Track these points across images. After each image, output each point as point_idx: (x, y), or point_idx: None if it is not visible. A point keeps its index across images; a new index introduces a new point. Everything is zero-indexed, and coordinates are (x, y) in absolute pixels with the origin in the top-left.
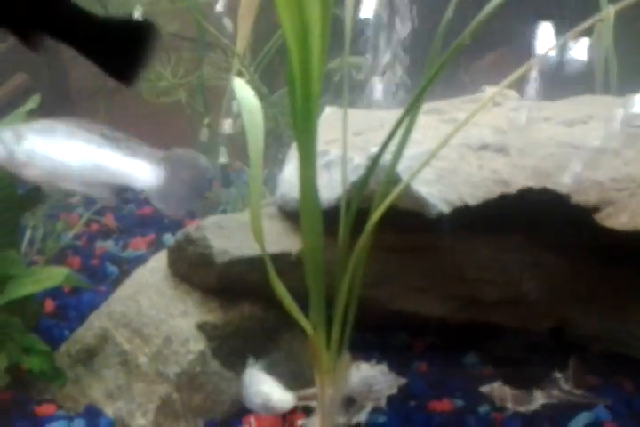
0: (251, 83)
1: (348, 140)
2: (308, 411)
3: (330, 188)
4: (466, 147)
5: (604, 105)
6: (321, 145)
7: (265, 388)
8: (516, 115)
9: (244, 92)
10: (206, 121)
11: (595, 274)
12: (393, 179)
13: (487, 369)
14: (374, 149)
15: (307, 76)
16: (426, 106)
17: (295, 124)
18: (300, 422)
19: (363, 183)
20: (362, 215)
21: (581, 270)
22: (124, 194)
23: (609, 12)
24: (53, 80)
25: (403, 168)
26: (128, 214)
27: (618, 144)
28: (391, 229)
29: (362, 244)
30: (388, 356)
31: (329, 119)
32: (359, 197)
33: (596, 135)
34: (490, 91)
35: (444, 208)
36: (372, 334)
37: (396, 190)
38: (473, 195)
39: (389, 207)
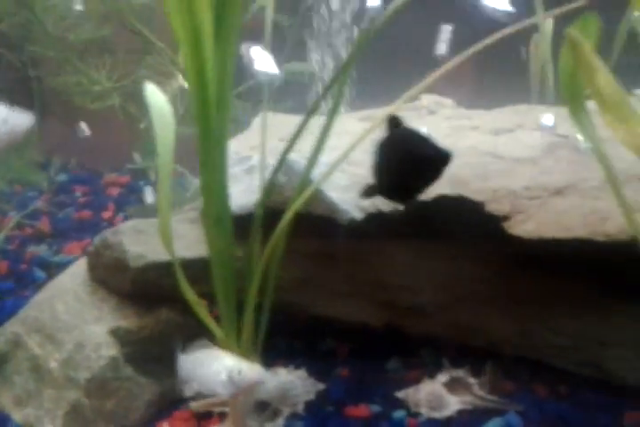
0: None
1: (273, 146)
2: (223, 417)
3: (249, 193)
4: None
5: (537, 114)
6: (245, 150)
7: (229, 362)
8: (444, 123)
9: (155, 97)
10: (142, 126)
11: (510, 281)
12: (306, 184)
13: (409, 374)
14: (293, 156)
15: (201, 81)
16: (362, 113)
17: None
18: None
19: (269, 189)
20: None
21: (497, 277)
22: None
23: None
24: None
25: (316, 174)
26: (65, 218)
27: (537, 153)
28: (313, 234)
29: (270, 249)
30: (312, 361)
31: (261, 125)
32: (263, 203)
33: (519, 144)
34: (425, 99)
35: (357, 214)
36: (299, 340)
37: (303, 196)
38: (387, 202)
39: (304, 213)
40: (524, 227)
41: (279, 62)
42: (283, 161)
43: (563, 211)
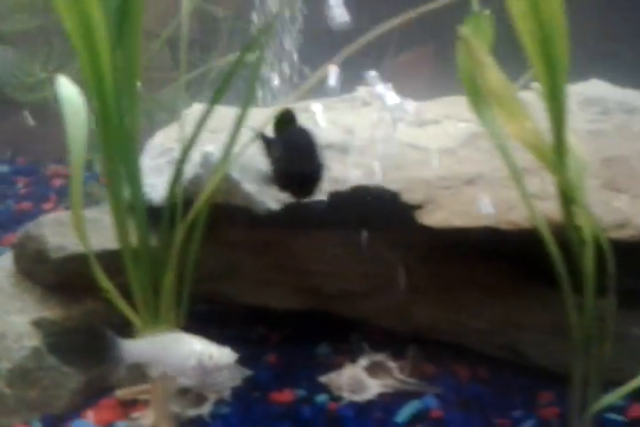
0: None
1: (203, 138)
2: (148, 404)
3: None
4: None
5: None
6: (171, 142)
7: (197, 346)
8: (373, 115)
9: (66, 89)
10: None
11: (431, 268)
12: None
13: (337, 359)
14: (209, 148)
15: (97, 74)
16: (300, 104)
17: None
18: (135, 414)
19: (175, 180)
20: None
21: (418, 265)
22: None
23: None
24: None
25: (234, 166)
26: (5, 210)
27: (457, 144)
28: (237, 224)
29: (178, 239)
30: (242, 349)
31: (192, 116)
32: (173, 194)
33: (441, 135)
34: (363, 91)
35: (273, 206)
36: (231, 328)
37: (210, 187)
38: None
39: (224, 204)
40: (434, 216)
41: None
42: (184, 155)
43: (472, 200)
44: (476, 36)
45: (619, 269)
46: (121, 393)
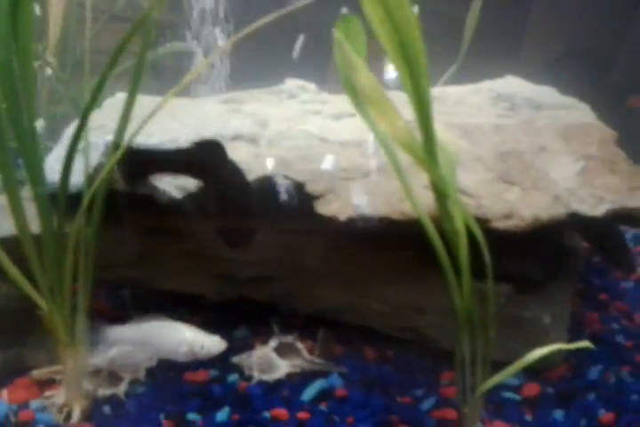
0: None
1: (110, 126)
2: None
3: (81, 172)
4: (219, 137)
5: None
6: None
7: (189, 335)
8: (296, 107)
9: None
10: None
11: (338, 256)
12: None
13: (255, 341)
14: (110, 137)
15: None
16: (225, 96)
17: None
18: (48, 392)
19: (67, 167)
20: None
21: (326, 252)
22: None
23: None
24: None
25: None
26: None
27: (365, 137)
28: (147, 212)
29: (77, 225)
30: None
31: (113, 105)
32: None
33: (353, 128)
34: (290, 83)
35: (177, 194)
36: (152, 311)
37: (101, 177)
38: None
39: (130, 192)
40: (330, 206)
41: None
42: (74, 142)
43: (369, 191)
44: (348, 39)
45: (509, 257)
46: (37, 373)
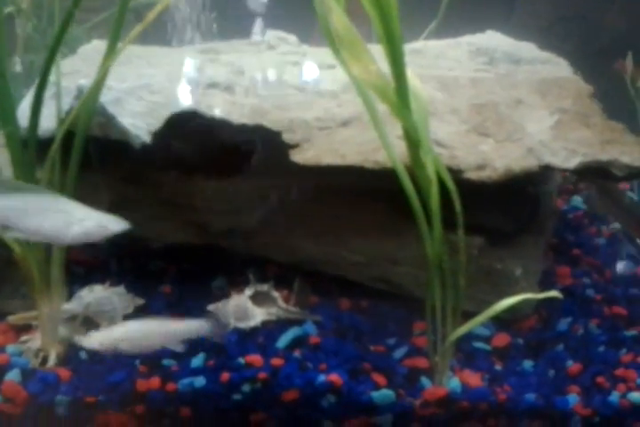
0: None
1: (85, 71)
2: None
3: (53, 117)
4: (193, 83)
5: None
6: (55, 77)
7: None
8: (275, 57)
9: None
10: None
11: (314, 205)
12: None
13: (230, 291)
14: (82, 81)
15: None
16: (204, 46)
17: None
18: (23, 337)
19: (35, 111)
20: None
21: (301, 202)
22: None
23: None
24: None
25: (110, 99)
26: None
27: (340, 88)
28: (123, 159)
29: (47, 170)
30: (138, 280)
31: (89, 52)
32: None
33: (330, 79)
34: (270, 34)
35: (148, 139)
36: (130, 261)
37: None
38: None
39: (102, 138)
40: (305, 154)
41: None
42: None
43: (343, 140)
44: None
45: (482, 209)
46: (13, 318)
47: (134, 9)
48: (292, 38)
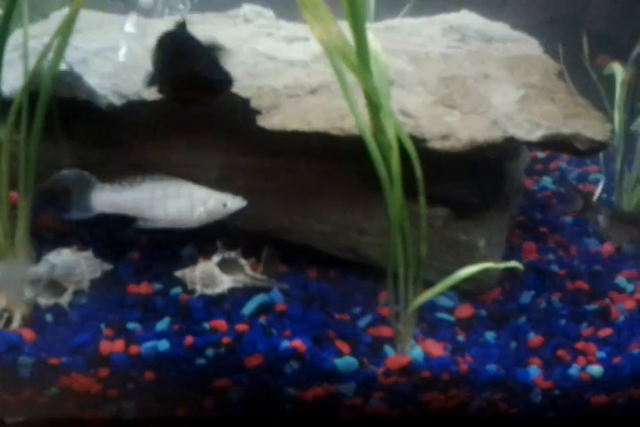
0: None
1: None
2: None
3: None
4: None
5: None
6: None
7: (202, 193)
8: (249, 30)
9: None
10: None
11: (280, 173)
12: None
13: (200, 258)
14: (46, 39)
15: None
16: (179, 17)
17: None
18: None
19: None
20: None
21: (270, 170)
22: None
23: None
24: None
25: (76, 59)
26: None
27: (311, 58)
28: (91, 121)
29: (7, 129)
30: (108, 248)
31: (60, 17)
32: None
33: (303, 50)
34: (246, 8)
35: (116, 100)
36: (100, 229)
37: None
38: (151, 92)
39: (69, 98)
40: (271, 120)
41: None
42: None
43: (311, 107)
44: None
45: (447, 180)
46: None
47: None
48: (269, 12)
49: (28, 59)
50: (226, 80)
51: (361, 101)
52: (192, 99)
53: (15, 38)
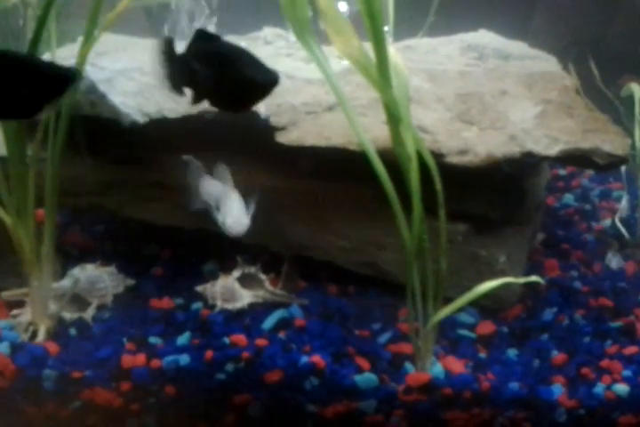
0: None
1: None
2: None
3: None
4: None
5: None
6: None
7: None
8: (270, 50)
9: None
10: None
11: (300, 190)
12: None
13: (220, 274)
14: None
15: None
16: None
17: None
18: (15, 311)
19: None
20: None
21: (288, 187)
22: None
23: None
24: None
25: (102, 79)
26: None
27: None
28: (116, 140)
29: (35, 147)
30: (131, 263)
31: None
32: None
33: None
34: (267, 30)
35: (140, 118)
36: (125, 245)
37: None
38: (173, 110)
39: (93, 116)
40: (289, 135)
41: None
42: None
43: (328, 124)
44: None
45: (468, 195)
46: (6, 294)
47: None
48: (290, 35)
49: None
50: (273, 76)
51: (380, 117)
52: (245, 102)
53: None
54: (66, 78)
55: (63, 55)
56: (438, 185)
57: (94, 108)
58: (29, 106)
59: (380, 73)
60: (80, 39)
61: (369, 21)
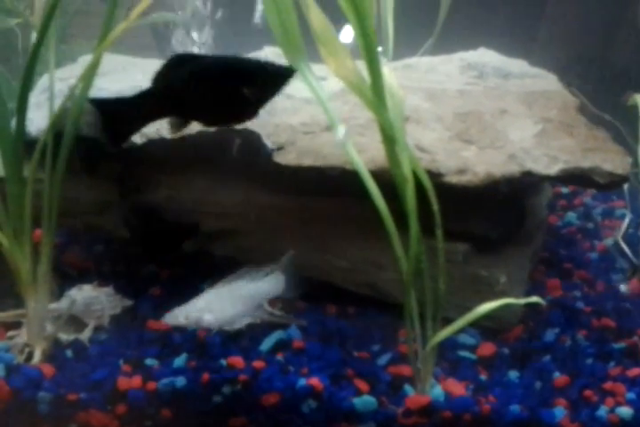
0: None
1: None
2: None
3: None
4: None
5: None
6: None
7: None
8: None
9: None
10: None
11: (298, 209)
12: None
13: None
14: (72, 81)
15: None
16: None
17: None
18: (10, 332)
19: (20, 112)
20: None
21: (288, 205)
22: None
23: None
24: None
25: None
26: None
27: (327, 96)
28: (113, 160)
29: (32, 168)
30: (130, 284)
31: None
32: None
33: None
34: (267, 50)
35: (137, 139)
36: (123, 266)
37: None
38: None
39: (92, 137)
40: (287, 156)
41: None
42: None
43: (326, 143)
44: None
45: (468, 216)
46: (2, 315)
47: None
48: None
49: (54, 100)
50: (285, 68)
51: (376, 138)
52: (262, 97)
53: (44, 82)
54: (284, 74)
55: (64, 76)
56: (435, 206)
57: (92, 129)
58: (252, 106)
59: (375, 94)
60: (81, 59)
61: (362, 41)
